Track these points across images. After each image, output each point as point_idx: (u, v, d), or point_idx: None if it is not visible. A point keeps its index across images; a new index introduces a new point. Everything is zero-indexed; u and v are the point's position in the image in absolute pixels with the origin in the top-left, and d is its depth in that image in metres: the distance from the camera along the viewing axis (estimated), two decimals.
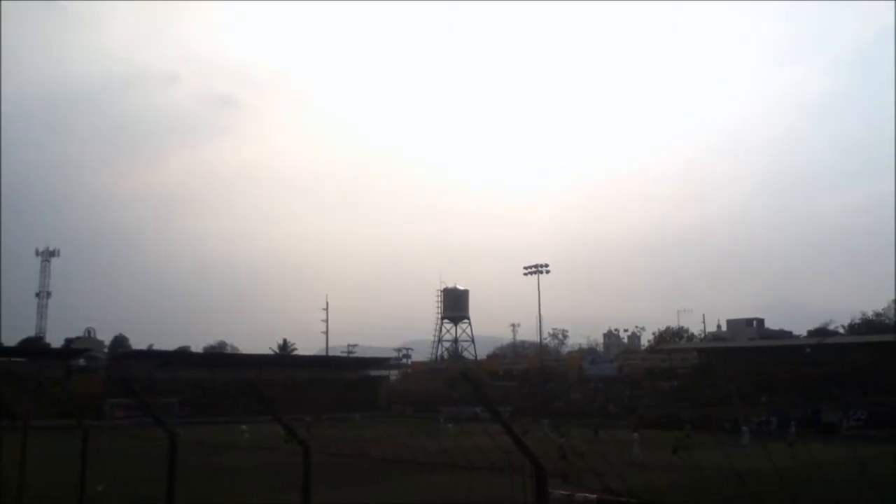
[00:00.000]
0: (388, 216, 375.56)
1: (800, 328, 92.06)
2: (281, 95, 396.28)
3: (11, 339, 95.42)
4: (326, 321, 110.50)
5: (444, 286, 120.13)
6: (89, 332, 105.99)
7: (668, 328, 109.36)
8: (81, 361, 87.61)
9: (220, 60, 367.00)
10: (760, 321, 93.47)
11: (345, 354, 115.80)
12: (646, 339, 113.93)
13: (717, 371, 71.67)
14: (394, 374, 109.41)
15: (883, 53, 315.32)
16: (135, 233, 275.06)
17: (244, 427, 43.00)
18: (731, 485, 23.50)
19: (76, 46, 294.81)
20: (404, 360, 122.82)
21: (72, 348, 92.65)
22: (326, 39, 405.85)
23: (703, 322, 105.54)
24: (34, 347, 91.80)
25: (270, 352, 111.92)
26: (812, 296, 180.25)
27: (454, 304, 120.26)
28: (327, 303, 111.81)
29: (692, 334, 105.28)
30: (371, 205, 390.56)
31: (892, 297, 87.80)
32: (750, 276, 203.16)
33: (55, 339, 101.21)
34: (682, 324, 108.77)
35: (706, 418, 55.88)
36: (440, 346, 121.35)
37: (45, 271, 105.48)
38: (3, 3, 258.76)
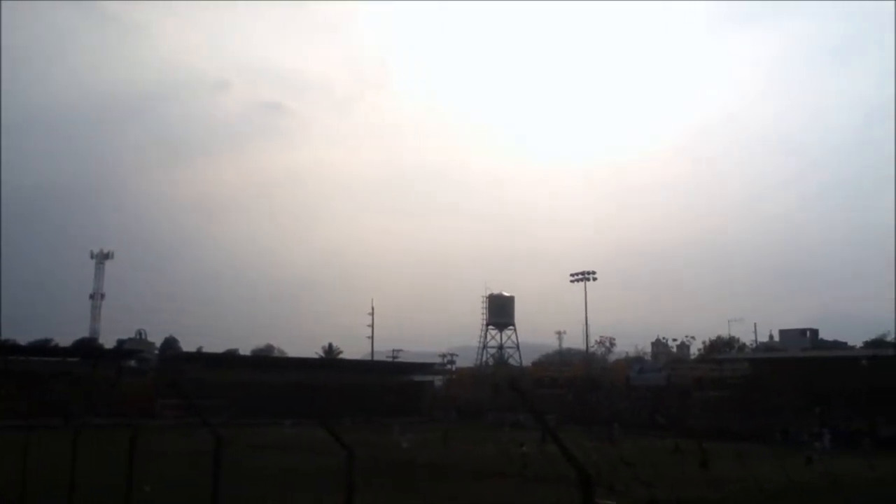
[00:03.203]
0: (434, 222, 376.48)
1: (856, 339, 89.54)
2: (328, 102, 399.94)
3: (66, 340, 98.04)
4: (372, 326, 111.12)
5: (489, 292, 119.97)
6: (141, 333, 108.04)
7: (718, 338, 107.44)
8: (133, 363, 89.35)
9: (269, 68, 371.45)
10: (815, 332, 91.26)
11: (390, 359, 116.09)
12: (695, 349, 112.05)
13: (769, 382, 70.07)
14: (438, 380, 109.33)
15: None
16: (186, 236, 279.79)
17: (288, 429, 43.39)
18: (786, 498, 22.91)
19: (130, 54, 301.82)
20: (449, 366, 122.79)
21: (124, 349, 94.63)
22: (370, 48, 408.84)
23: (755, 332, 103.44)
24: (88, 348, 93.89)
25: (316, 356, 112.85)
26: (869, 306, 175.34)
27: (499, 310, 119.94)
28: (373, 307, 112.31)
29: (743, 344, 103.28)
30: (417, 210, 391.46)
31: None
32: (805, 285, 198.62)
33: (108, 341, 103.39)
34: (733, 333, 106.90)
35: (757, 430, 54.80)
36: (485, 352, 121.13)
37: (99, 273, 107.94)
38: (58, 14, 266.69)
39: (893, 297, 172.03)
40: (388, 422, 58.89)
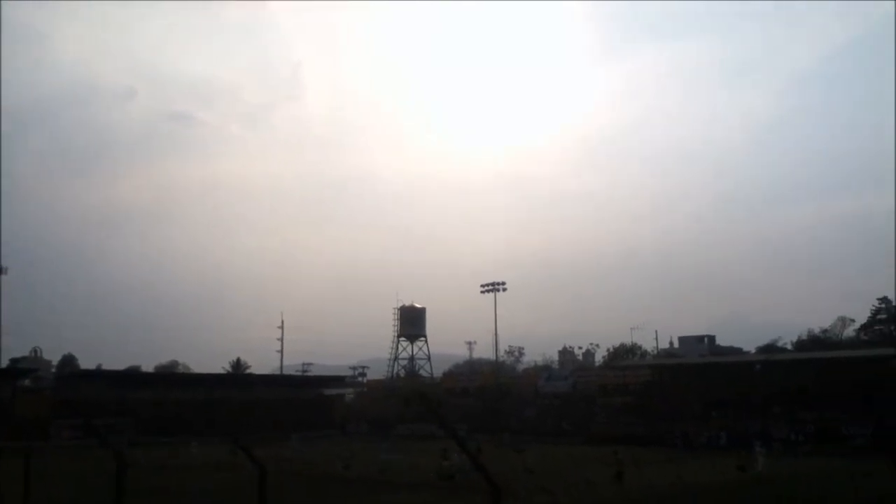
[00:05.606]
0: (344, 234, 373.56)
1: (750, 345, 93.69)
2: (236, 113, 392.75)
3: None
4: (281, 339, 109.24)
5: (400, 304, 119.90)
6: (35, 351, 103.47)
7: (621, 345, 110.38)
8: (27, 382, 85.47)
9: (176, 76, 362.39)
10: (712, 338, 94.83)
11: (300, 373, 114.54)
12: (600, 356, 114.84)
13: (669, 387, 72.54)
14: (349, 393, 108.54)
15: (838, 71, 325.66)
16: (85, 249, 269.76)
17: (194, 448, 42.46)
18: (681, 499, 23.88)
19: (30, 61, 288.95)
20: (360, 379, 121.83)
21: (17, 368, 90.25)
22: (282, 58, 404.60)
23: (656, 339, 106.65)
24: None
25: (223, 371, 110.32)
26: (762, 312, 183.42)
27: (411, 322, 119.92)
28: (282, 321, 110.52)
29: (645, 351, 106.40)
30: (327, 222, 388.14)
31: (839, 314, 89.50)
32: (702, 293, 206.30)
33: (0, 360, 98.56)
34: (635, 340, 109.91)
35: (659, 435, 56.72)
36: (396, 364, 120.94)
37: None
38: None
39: (785, 303, 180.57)
40: (303, 436, 57.97)
